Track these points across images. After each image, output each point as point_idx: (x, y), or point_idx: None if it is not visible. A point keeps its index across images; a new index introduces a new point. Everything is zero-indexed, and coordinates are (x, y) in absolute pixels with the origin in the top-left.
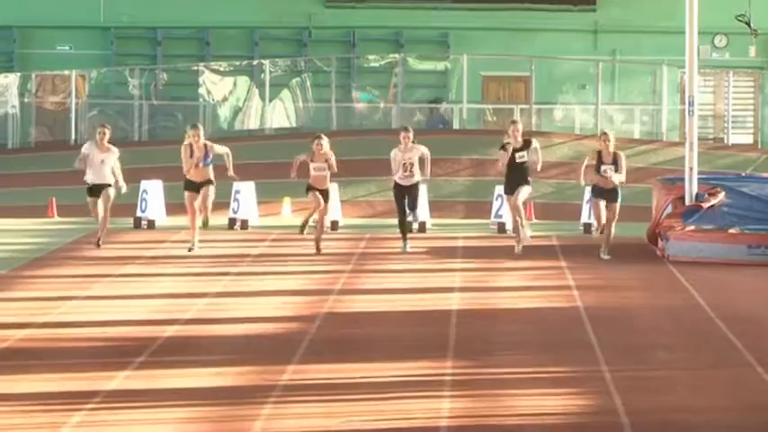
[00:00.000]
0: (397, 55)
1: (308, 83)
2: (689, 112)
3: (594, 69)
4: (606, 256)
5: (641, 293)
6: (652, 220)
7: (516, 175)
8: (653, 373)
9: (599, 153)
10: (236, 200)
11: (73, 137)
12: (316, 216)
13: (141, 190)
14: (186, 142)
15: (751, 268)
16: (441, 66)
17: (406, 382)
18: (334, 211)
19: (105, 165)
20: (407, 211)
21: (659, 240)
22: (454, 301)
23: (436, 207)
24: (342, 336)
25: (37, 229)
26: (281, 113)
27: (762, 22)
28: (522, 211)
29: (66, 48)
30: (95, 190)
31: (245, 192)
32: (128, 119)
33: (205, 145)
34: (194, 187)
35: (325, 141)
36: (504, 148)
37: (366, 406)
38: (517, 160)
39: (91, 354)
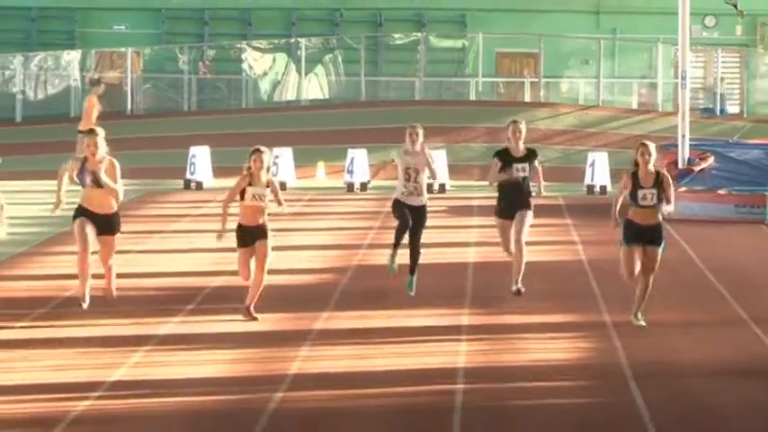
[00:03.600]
0: (419, 34)
1: (340, 59)
2: (681, 85)
3: (597, 46)
4: (641, 322)
5: None
6: None
7: (513, 194)
8: (649, 319)
9: (634, 174)
10: (275, 164)
11: (129, 107)
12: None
13: (190, 155)
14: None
15: (738, 225)
16: (459, 43)
17: (428, 327)
18: (362, 174)
19: None
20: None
21: None
22: (471, 255)
23: (454, 170)
24: (370, 286)
25: None
26: (315, 86)
27: (747, 3)
28: (524, 253)
29: (123, 27)
30: None
31: (284, 156)
32: (178, 91)
33: (103, 160)
34: (92, 218)
35: (266, 156)
36: (499, 156)
37: (392, 348)
38: (514, 173)
39: (145, 302)
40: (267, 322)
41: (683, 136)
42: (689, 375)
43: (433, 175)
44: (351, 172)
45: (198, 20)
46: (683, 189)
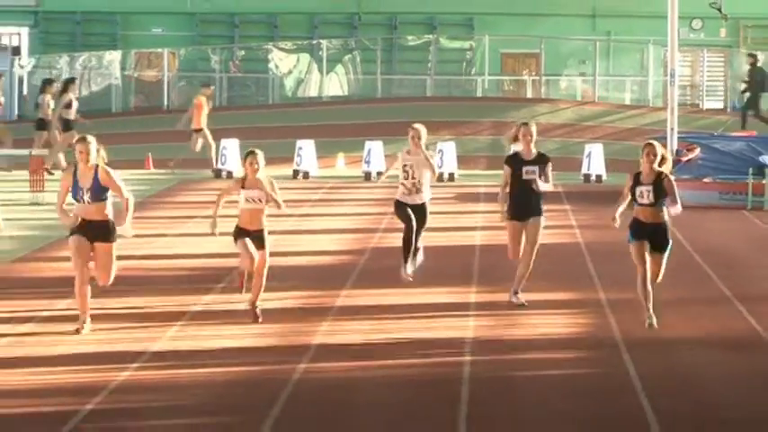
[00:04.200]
0: (430, 36)
1: (358, 59)
2: (670, 82)
3: (593, 47)
4: (653, 321)
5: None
6: None
7: (524, 196)
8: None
9: (637, 176)
10: (299, 155)
11: (165, 103)
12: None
13: (222, 147)
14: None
15: (722, 211)
16: (466, 44)
17: (438, 304)
18: (378, 164)
19: None
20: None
21: None
22: (477, 238)
23: (463, 160)
24: (385, 266)
25: (136, 178)
26: (335, 84)
27: (731, 7)
28: (531, 265)
29: (160, 30)
30: None
31: (307, 148)
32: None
33: (96, 168)
34: (87, 230)
35: (261, 157)
36: (509, 162)
37: (406, 323)
38: (524, 176)
39: (181, 281)
40: (292, 299)
41: (672, 129)
42: (678, 349)
43: (433, 173)
44: (368, 162)
45: (228, 23)
46: (674, 178)
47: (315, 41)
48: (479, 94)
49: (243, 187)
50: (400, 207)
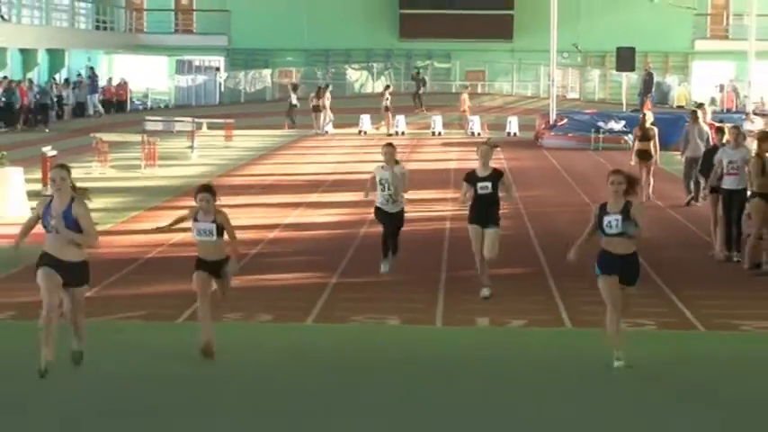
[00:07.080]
0: (429, 61)
1: (392, 73)
2: (551, 85)
3: (511, 67)
4: (620, 363)
5: (531, 162)
6: (536, 130)
7: (483, 206)
8: (536, 196)
9: (603, 206)
10: (361, 122)
11: (292, 96)
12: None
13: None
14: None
15: (578, 151)
16: (446, 66)
17: (430, 198)
18: (402, 126)
19: None
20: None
21: (539, 139)
22: (452, 166)
23: (445, 125)
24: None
25: (281, 135)
26: (379, 85)
27: (583, 45)
28: (487, 269)
29: (290, 58)
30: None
31: (365, 118)
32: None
33: (71, 199)
34: (57, 266)
35: (211, 196)
36: (466, 179)
37: (415, 206)
38: (479, 191)
39: (298, 186)
40: (356, 196)
41: (552, 109)
42: (557, 216)
43: (404, 188)
44: (397, 126)
45: (325, 54)
46: (553, 134)
47: (369, 64)
48: (454, 90)
49: (196, 220)
50: (379, 212)
